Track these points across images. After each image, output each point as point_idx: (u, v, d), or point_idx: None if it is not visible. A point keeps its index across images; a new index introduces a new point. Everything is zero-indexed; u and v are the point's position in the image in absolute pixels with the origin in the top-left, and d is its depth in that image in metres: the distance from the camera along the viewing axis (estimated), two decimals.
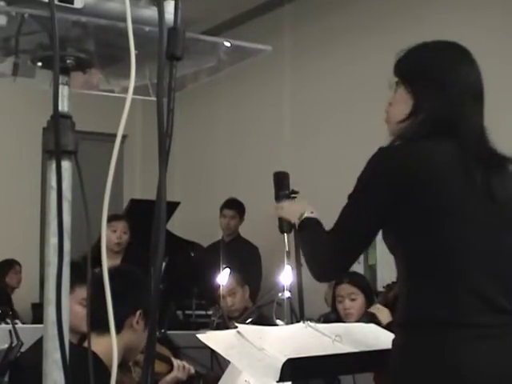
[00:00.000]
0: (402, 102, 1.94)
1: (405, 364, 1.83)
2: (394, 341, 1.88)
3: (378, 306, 3.84)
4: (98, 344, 1.98)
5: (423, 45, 1.99)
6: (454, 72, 1.93)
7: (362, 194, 1.89)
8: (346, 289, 3.94)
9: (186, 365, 3.16)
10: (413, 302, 1.85)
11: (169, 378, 3.09)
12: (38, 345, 1.64)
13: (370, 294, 4.00)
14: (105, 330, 1.60)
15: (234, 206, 6.37)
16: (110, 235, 5.39)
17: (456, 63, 1.95)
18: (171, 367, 3.10)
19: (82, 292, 2.71)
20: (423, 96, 1.91)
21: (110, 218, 5.43)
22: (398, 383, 1.85)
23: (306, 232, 2.10)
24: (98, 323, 1.44)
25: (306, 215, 2.13)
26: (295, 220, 2.15)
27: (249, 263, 5.68)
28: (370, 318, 3.67)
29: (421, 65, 1.97)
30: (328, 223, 2.01)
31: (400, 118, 1.94)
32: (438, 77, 1.93)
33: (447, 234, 1.81)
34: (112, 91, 1.54)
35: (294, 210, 2.21)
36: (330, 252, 1.94)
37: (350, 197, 1.90)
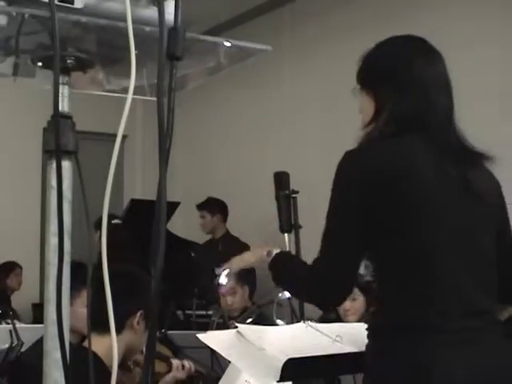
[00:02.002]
0: (367, 107, 1.92)
1: (379, 370, 1.77)
2: (368, 345, 1.81)
3: None
4: (98, 344, 1.99)
5: (376, 46, 1.97)
6: (409, 67, 1.88)
7: (337, 207, 1.82)
8: None
9: (186, 364, 3.14)
10: (389, 305, 1.79)
11: (168, 378, 3.09)
12: (38, 344, 1.64)
13: (371, 294, 3.99)
14: (105, 329, 1.60)
15: (202, 206, 6.47)
16: None
17: (411, 58, 1.89)
18: (170, 367, 3.10)
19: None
20: (382, 96, 1.87)
21: None
22: None
23: (284, 269, 1.99)
24: (98, 323, 1.45)
25: (275, 251, 2.02)
26: (265, 262, 2.03)
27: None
28: None
29: (375, 67, 1.94)
30: None
31: (367, 121, 1.92)
32: (393, 75, 1.88)
33: (423, 234, 1.75)
34: (112, 91, 1.54)
35: (255, 256, 2.12)
36: (323, 278, 1.82)
37: (328, 211, 1.81)
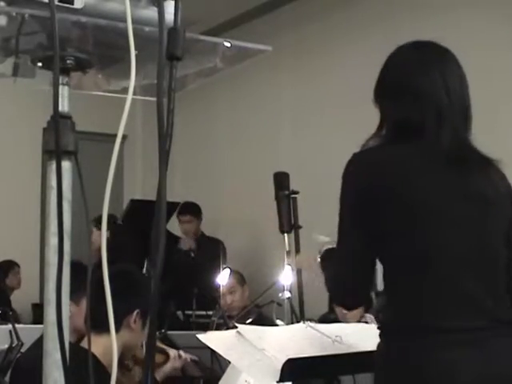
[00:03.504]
0: (378, 114, 1.96)
1: (383, 371, 1.80)
2: (378, 344, 1.84)
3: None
4: (95, 343, 1.99)
5: (388, 57, 1.99)
6: (410, 78, 1.91)
7: (343, 208, 1.87)
8: None
9: (182, 354, 3.16)
10: (393, 306, 1.83)
11: (166, 368, 3.10)
12: (38, 344, 1.63)
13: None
14: (102, 329, 1.61)
15: (188, 210, 6.53)
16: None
17: (415, 67, 1.92)
18: (167, 357, 3.11)
19: None
20: (384, 108, 1.93)
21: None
22: None
23: (329, 263, 2.16)
24: (95, 323, 1.45)
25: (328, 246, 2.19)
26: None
27: (217, 259, 5.70)
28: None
29: (380, 79, 1.98)
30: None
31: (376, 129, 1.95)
32: (393, 86, 1.93)
33: (425, 236, 1.78)
34: (112, 91, 1.54)
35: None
36: (337, 280, 1.91)
37: (339, 213, 1.87)
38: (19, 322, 4.90)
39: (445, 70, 1.91)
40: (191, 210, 6.54)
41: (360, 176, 1.84)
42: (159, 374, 3.08)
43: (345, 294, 1.91)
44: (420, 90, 1.89)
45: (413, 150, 1.84)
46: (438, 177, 1.81)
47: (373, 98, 1.97)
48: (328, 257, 2.17)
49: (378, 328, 1.85)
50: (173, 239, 6.27)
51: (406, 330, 1.77)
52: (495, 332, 1.78)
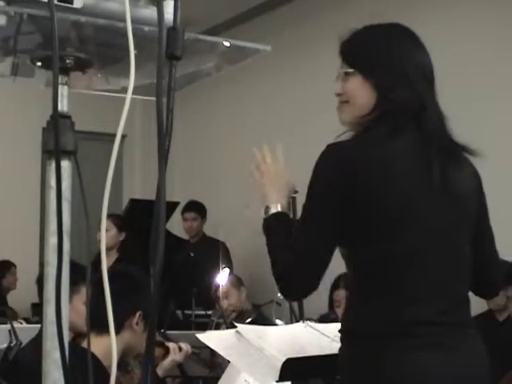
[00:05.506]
0: (363, 93, 1.78)
1: (348, 375, 1.76)
2: (341, 349, 1.79)
3: None
4: (96, 344, 1.99)
5: (371, 28, 1.87)
6: (410, 56, 1.79)
7: (312, 204, 1.75)
8: (342, 294, 3.96)
9: (183, 346, 3.12)
10: (357, 311, 1.76)
11: (166, 362, 3.06)
12: (35, 342, 1.63)
13: None
14: (103, 330, 1.61)
15: (194, 208, 6.55)
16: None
17: (410, 46, 1.81)
18: (166, 351, 3.08)
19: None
20: (386, 85, 1.75)
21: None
22: None
23: (271, 235, 1.91)
24: (96, 323, 1.45)
25: (272, 210, 1.93)
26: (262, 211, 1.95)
27: (219, 260, 5.70)
28: None
29: (377, 50, 1.81)
30: None
31: (364, 112, 1.77)
32: (398, 63, 1.77)
33: (396, 240, 1.70)
34: (111, 91, 1.54)
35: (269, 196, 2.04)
36: (290, 271, 1.75)
37: (304, 203, 1.76)
38: (17, 318, 4.90)
39: (426, 55, 1.83)
40: (197, 208, 6.55)
41: (341, 172, 1.71)
42: (160, 369, 3.05)
43: (298, 284, 1.75)
44: (428, 74, 1.79)
45: (405, 148, 1.73)
46: (422, 176, 1.72)
47: (360, 65, 1.78)
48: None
49: (342, 332, 1.79)
50: (173, 239, 6.27)
51: (378, 335, 1.70)
52: (462, 335, 1.76)
